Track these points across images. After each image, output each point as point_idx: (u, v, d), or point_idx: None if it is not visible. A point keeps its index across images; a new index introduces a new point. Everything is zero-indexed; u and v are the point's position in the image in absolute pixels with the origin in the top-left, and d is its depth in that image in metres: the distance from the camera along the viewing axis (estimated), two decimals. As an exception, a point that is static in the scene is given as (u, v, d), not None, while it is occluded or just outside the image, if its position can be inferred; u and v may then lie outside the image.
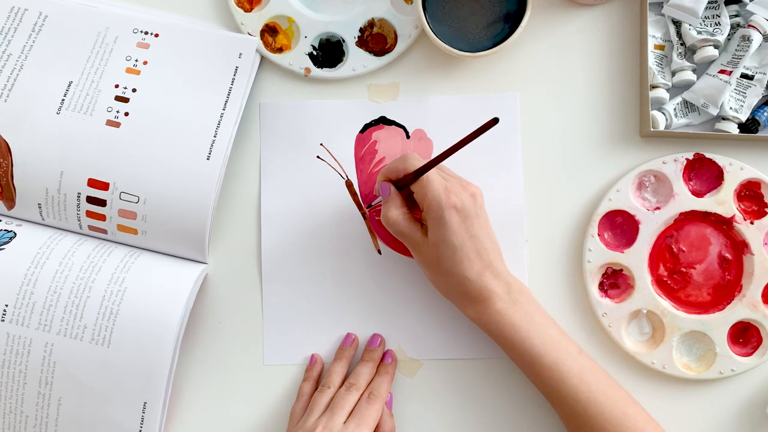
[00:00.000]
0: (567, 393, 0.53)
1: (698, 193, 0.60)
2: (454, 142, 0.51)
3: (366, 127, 0.62)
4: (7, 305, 0.55)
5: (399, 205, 0.55)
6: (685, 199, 0.59)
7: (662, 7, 0.60)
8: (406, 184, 0.55)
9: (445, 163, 0.54)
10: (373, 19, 0.62)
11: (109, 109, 0.60)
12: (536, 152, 0.62)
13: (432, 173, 0.53)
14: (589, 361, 0.55)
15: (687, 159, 0.60)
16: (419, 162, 0.54)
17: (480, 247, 0.53)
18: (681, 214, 0.60)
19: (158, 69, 0.61)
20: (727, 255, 0.60)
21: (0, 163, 0.59)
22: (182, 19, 0.64)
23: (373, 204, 0.62)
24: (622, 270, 0.60)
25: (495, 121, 0.48)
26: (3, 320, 0.55)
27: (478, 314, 0.55)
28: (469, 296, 0.54)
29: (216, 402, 0.61)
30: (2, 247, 0.58)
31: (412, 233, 0.54)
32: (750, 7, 0.59)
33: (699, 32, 0.59)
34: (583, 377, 0.53)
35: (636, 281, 0.59)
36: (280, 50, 0.63)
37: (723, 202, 0.59)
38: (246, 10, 0.63)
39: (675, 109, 0.60)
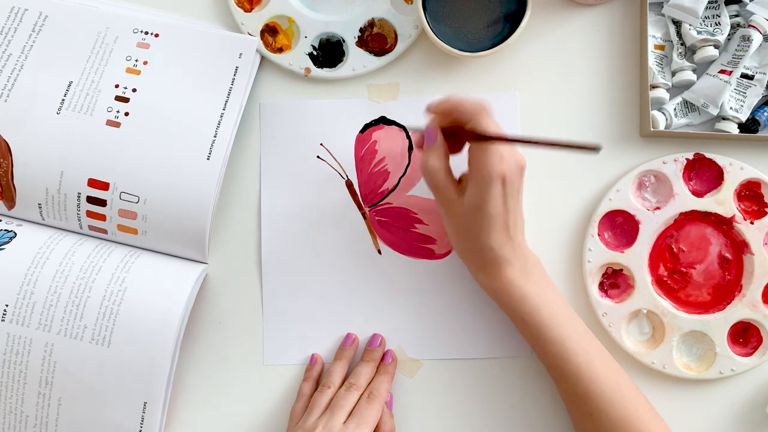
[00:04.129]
0: (570, 369, 0.53)
1: (698, 193, 0.60)
2: (542, 138, 0.49)
3: (366, 127, 0.62)
4: (7, 305, 0.55)
5: (441, 157, 0.53)
6: (685, 199, 0.59)
7: (662, 7, 0.60)
8: (461, 135, 0.53)
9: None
10: (373, 19, 0.62)
11: (109, 109, 0.60)
12: (536, 152, 0.61)
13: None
14: (596, 342, 0.55)
15: (687, 159, 0.60)
16: (492, 126, 0.51)
17: (510, 220, 0.53)
18: (681, 214, 0.60)
19: (158, 69, 0.61)
20: (727, 255, 0.60)
21: (0, 163, 0.59)
22: (182, 19, 0.64)
23: (374, 204, 0.62)
24: (622, 270, 0.60)
25: (596, 150, 0.46)
26: (3, 320, 0.55)
27: (489, 281, 0.55)
28: (485, 262, 0.54)
29: (216, 402, 0.61)
30: (2, 247, 0.58)
31: (447, 190, 0.53)
32: (750, 7, 0.59)
33: (699, 32, 0.59)
34: (588, 356, 0.53)
35: (636, 281, 0.59)
36: (280, 50, 0.63)
37: (723, 202, 0.59)
38: (246, 10, 0.63)
39: (675, 109, 0.60)
